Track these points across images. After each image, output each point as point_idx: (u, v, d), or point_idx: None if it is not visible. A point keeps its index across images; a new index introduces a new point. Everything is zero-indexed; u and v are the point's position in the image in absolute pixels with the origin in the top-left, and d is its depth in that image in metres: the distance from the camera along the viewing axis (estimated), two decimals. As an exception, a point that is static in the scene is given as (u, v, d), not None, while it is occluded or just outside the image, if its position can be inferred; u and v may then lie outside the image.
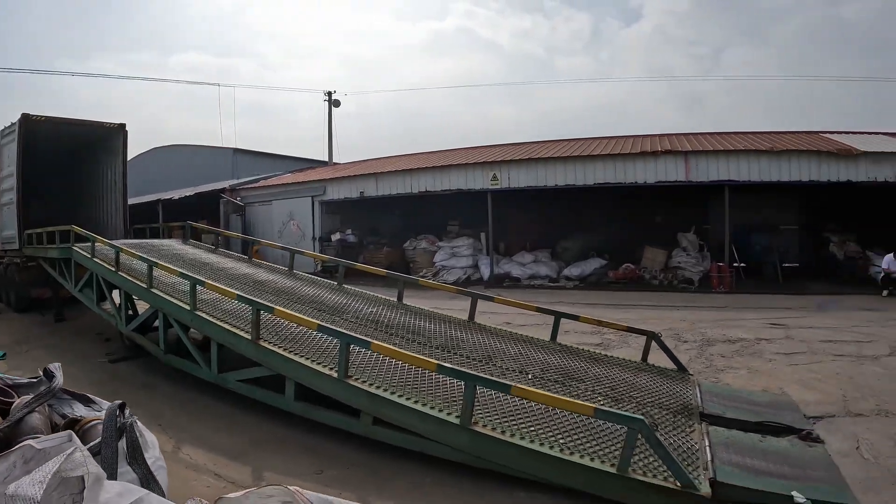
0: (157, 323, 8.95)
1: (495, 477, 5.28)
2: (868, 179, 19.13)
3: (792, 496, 4.88)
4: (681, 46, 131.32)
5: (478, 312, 9.77)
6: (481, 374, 6.12)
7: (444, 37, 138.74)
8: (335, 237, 25.39)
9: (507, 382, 5.75)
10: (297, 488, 2.80)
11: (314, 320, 7.07)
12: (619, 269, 21.26)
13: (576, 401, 5.80)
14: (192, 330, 8.47)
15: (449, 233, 25.17)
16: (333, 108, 39.19)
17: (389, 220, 27.47)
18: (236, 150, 39.47)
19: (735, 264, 20.23)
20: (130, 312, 10.21)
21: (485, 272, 22.49)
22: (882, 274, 17.89)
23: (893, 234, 19.99)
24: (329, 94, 38.90)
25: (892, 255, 17.79)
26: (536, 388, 6.42)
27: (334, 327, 6.89)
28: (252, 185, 29.62)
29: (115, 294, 10.48)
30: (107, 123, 16.13)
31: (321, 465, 5.82)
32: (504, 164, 21.95)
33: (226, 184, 30.06)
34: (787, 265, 22.67)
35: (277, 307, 7.32)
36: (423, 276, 21.37)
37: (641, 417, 5.06)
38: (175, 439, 6.58)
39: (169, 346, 8.77)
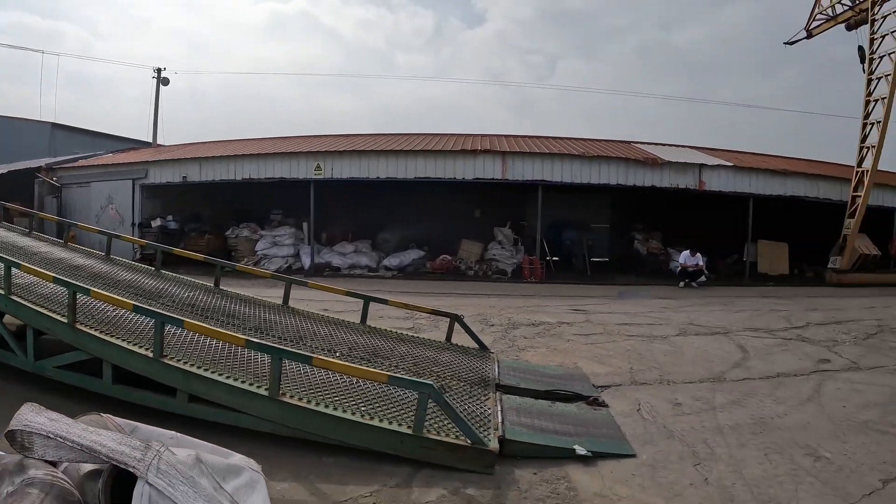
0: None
1: (304, 444, 5.35)
2: (671, 186, 21.56)
3: (574, 448, 5.37)
4: (518, 53, 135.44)
5: (297, 300, 9.68)
6: (285, 347, 6.13)
7: (286, 20, 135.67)
8: (155, 223, 23.74)
9: (309, 354, 5.87)
10: (110, 416, 3.00)
11: (130, 301, 6.79)
12: (437, 260, 21.72)
13: (371, 369, 5.96)
14: (6, 317, 7.82)
15: (272, 221, 24.61)
16: (162, 87, 36.58)
17: (212, 207, 26.08)
18: (55, 126, 35.47)
19: (546, 258, 21.43)
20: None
21: (306, 261, 22.22)
22: (679, 268, 19.59)
23: (691, 234, 22.37)
24: (158, 70, 36.22)
25: (688, 251, 19.86)
26: (360, 367, 6.54)
27: (149, 307, 6.67)
28: (70, 165, 26.83)
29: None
30: None
31: None
32: (329, 154, 21.84)
33: (41, 162, 27.06)
34: (596, 259, 24.18)
35: (94, 289, 6.91)
36: (244, 265, 20.90)
37: (430, 382, 5.28)
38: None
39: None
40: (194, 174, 23.38)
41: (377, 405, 5.70)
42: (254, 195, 24.56)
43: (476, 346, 8.69)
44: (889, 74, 21.27)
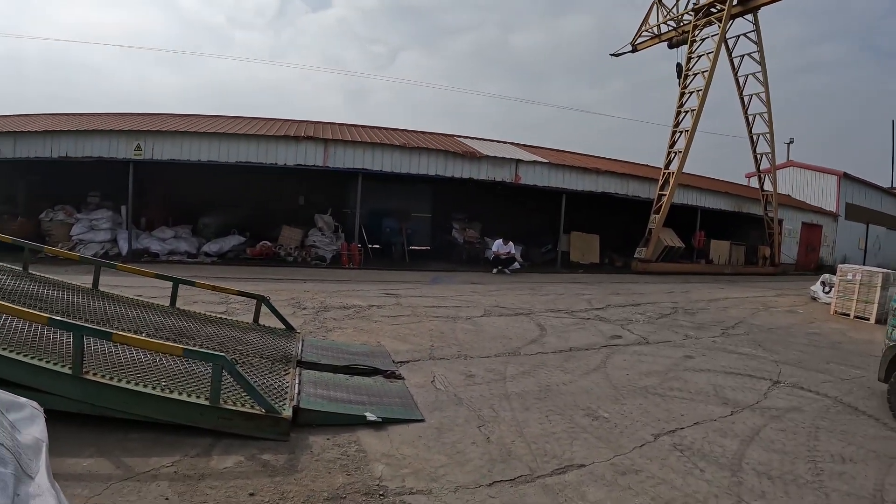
0: None
1: (112, 423, 5.26)
2: (488, 178, 22.42)
3: (365, 416, 5.65)
4: (360, 42, 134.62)
5: (112, 286, 9.39)
6: (87, 325, 5.92)
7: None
8: None
9: (109, 330, 5.80)
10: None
11: None
12: (257, 247, 21.33)
13: (166, 343, 5.95)
14: None
15: (89, 204, 22.89)
16: None
17: (27, 189, 23.89)
18: None
19: (364, 244, 21.58)
20: None
21: (123, 247, 21.01)
22: (492, 255, 20.33)
23: (510, 225, 23.41)
24: None
25: (500, 240, 20.88)
26: (157, 341, 6.49)
27: None
28: None
29: None
30: None
31: None
32: (150, 134, 20.66)
33: None
34: (416, 247, 24.82)
35: None
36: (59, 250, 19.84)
37: (222, 354, 5.38)
38: None
39: None
40: (8, 150, 20.89)
41: (179, 381, 5.70)
42: (72, 176, 22.55)
43: (283, 326, 8.78)
44: (700, 90, 24.19)
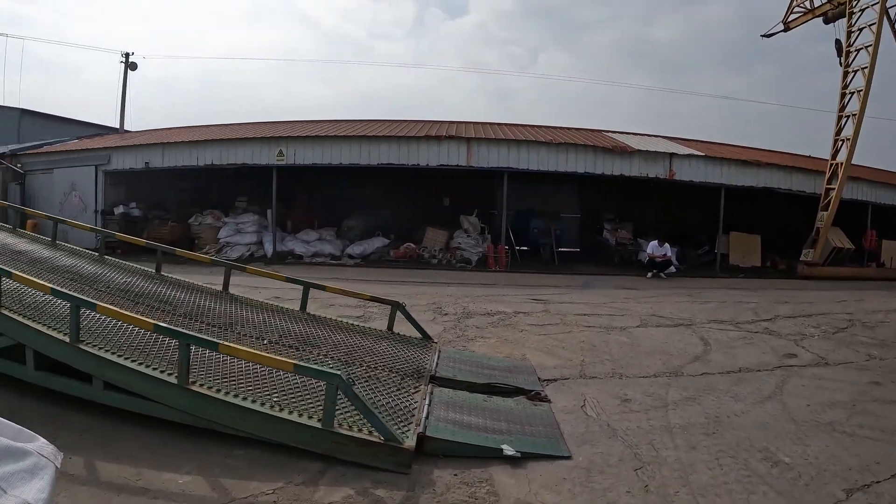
0: None
1: (217, 436, 5.06)
2: (640, 175, 20.98)
3: (501, 448, 4.86)
4: (499, 45, 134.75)
5: (250, 287, 9.68)
6: (192, 333, 5.70)
7: (264, 6, 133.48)
8: (118, 210, 23.20)
9: (215, 340, 5.40)
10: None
11: (48, 284, 6.41)
12: (400, 248, 21.23)
13: (277, 357, 5.44)
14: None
15: (236, 208, 23.91)
16: (133, 72, 35.55)
17: (177, 194, 25.45)
18: (24, 112, 34.54)
19: (511, 246, 20.84)
20: None
21: (268, 249, 21.64)
22: (647, 258, 19.12)
23: (662, 225, 22.05)
24: (126, 55, 35.22)
25: (655, 241, 19.46)
26: (270, 354, 6.21)
27: (66, 290, 6.34)
28: (34, 151, 25.90)
29: None
30: None
31: (56, 433, 5.19)
32: (291, 140, 21.20)
33: (5, 148, 26.38)
34: (565, 249, 23.79)
35: (16, 272, 6.58)
36: (206, 253, 20.46)
37: (338, 373, 4.81)
38: None
39: None
40: (157, 160, 22.68)
41: (293, 396, 5.34)
42: (219, 182, 23.86)
43: (419, 335, 8.29)
44: (865, 67, 21.18)
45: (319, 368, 5.18)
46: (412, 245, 21.36)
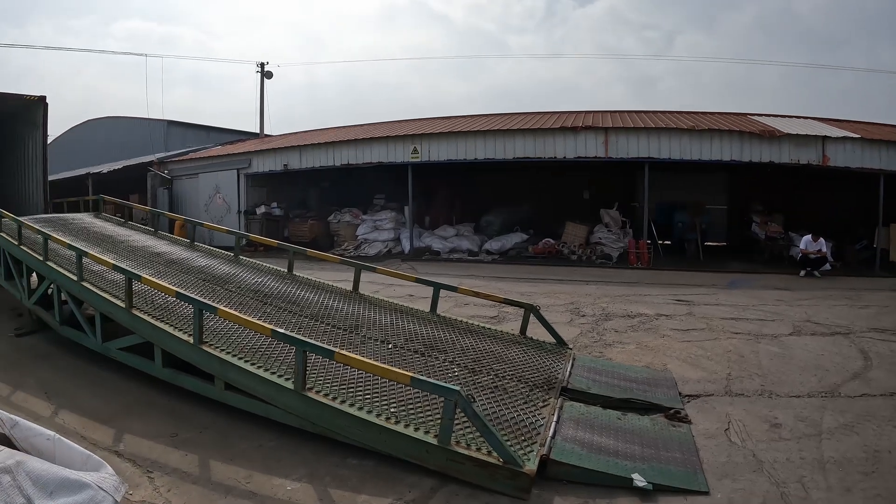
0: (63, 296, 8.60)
1: (332, 443, 5.16)
2: (791, 161, 19.34)
3: (632, 478, 4.57)
4: (634, 29, 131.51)
5: (386, 285, 9.98)
6: (308, 340, 5.67)
7: (397, 9, 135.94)
8: (260, 210, 24.42)
9: (331, 348, 5.37)
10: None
11: (173, 288, 6.82)
12: (539, 244, 20.90)
13: (393, 368, 5.30)
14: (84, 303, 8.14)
15: (374, 206, 24.55)
16: (272, 80, 37.79)
17: (316, 194, 26.69)
18: (170, 123, 37.58)
19: (656, 241, 20.15)
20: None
21: (405, 245, 22.02)
22: (800, 255, 17.88)
23: (816, 217, 20.52)
24: (262, 65, 36.82)
25: (809, 236, 17.93)
26: (394, 358, 6.57)
27: (190, 294, 6.67)
28: (180, 158, 28.24)
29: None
30: (26, 96, 14.99)
31: (178, 428, 5.85)
32: (424, 137, 21.37)
33: (154, 157, 28.55)
34: (711, 244, 22.89)
35: (145, 275, 7.23)
36: (345, 250, 21.75)
37: (457, 388, 4.64)
38: (55, 405, 6.64)
39: (64, 317, 8.59)
40: (294, 162, 23.76)
41: (413, 407, 5.32)
42: (357, 181, 24.55)
43: (554, 340, 8.07)
44: None
45: (437, 383, 5.00)
46: (551, 241, 21.01)
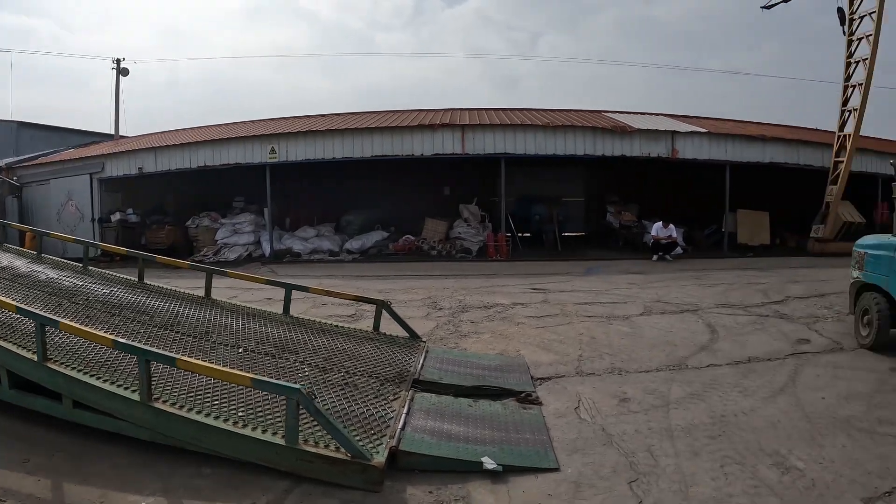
0: None
1: (188, 455, 4.84)
2: (642, 155, 20.51)
3: (482, 462, 4.50)
4: (500, 30, 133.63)
5: (244, 290, 9.59)
6: (150, 348, 5.39)
7: (262, 4, 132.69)
8: (115, 217, 22.68)
9: (172, 355, 5.21)
10: None
11: (13, 303, 6.18)
12: (399, 241, 20.78)
13: (235, 371, 5.11)
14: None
15: (234, 209, 23.61)
16: (123, 77, 34.42)
17: (175, 198, 24.96)
18: (21, 124, 33.99)
19: (514, 234, 20.45)
20: None
21: (266, 248, 21.32)
22: (651, 241, 18.63)
23: (668, 205, 21.82)
24: (117, 61, 34.81)
25: (660, 223, 18.94)
26: (244, 362, 6.33)
27: (31, 309, 6.13)
28: (30, 163, 25.53)
29: None
30: None
31: (31, 453, 5.30)
32: (283, 136, 20.85)
33: (2, 162, 26.15)
34: (569, 234, 23.48)
35: None
36: (205, 255, 20.76)
37: (297, 387, 4.48)
38: None
39: None
40: (150, 165, 22.38)
41: (260, 410, 5.03)
42: (216, 183, 23.53)
43: (407, 334, 7.91)
44: (870, 35, 20.20)
45: (277, 383, 4.83)
46: (411, 237, 20.95)
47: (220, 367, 5.14)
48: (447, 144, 19.53)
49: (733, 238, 21.79)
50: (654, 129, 20.96)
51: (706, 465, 4.55)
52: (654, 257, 18.48)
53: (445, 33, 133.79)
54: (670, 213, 20.02)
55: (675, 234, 19.06)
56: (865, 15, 20.36)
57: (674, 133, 20.79)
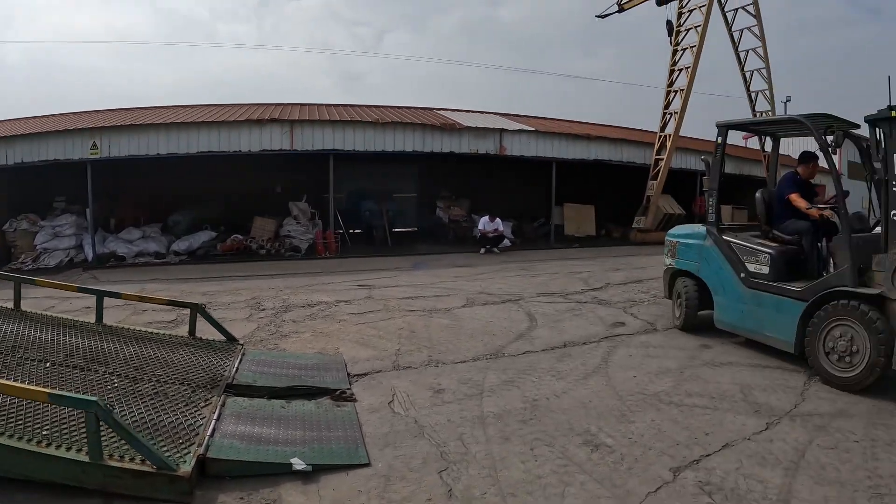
0: None
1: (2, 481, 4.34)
2: (471, 151, 20.93)
3: (291, 463, 4.39)
4: (346, 25, 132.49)
5: (63, 299, 9.41)
6: None
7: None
8: None
9: None
10: None
11: None
12: (227, 241, 20.02)
13: (29, 387, 4.71)
14: None
15: (54, 210, 21.72)
16: None
17: None
18: None
19: (342, 231, 20.34)
20: None
21: (88, 252, 19.79)
22: (479, 234, 18.97)
23: (499, 200, 22.71)
24: None
25: (487, 217, 19.49)
26: (52, 377, 5.86)
27: None
28: None
29: None
30: None
31: None
32: (105, 130, 19.27)
33: None
34: (402, 230, 23.56)
35: None
36: (23, 263, 18.89)
37: (95, 399, 4.20)
38: None
39: None
40: None
41: (65, 427, 4.64)
42: (36, 182, 21.23)
43: (224, 338, 7.60)
44: (694, 46, 22.61)
45: (74, 396, 4.52)
46: (239, 237, 20.22)
47: (13, 384, 4.76)
48: (275, 140, 18.99)
49: (561, 230, 22.93)
50: (483, 126, 21.46)
51: (517, 449, 4.60)
52: (482, 250, 18.89)
53: (291, 25, 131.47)
54: (501, 208, 20.75)
55: (501, 228, 19.65)
56: (691, 28, 22.94)
57: (502, 131, 21.39)
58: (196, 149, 18.94)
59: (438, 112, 24.70)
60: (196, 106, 23.99)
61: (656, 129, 24.07)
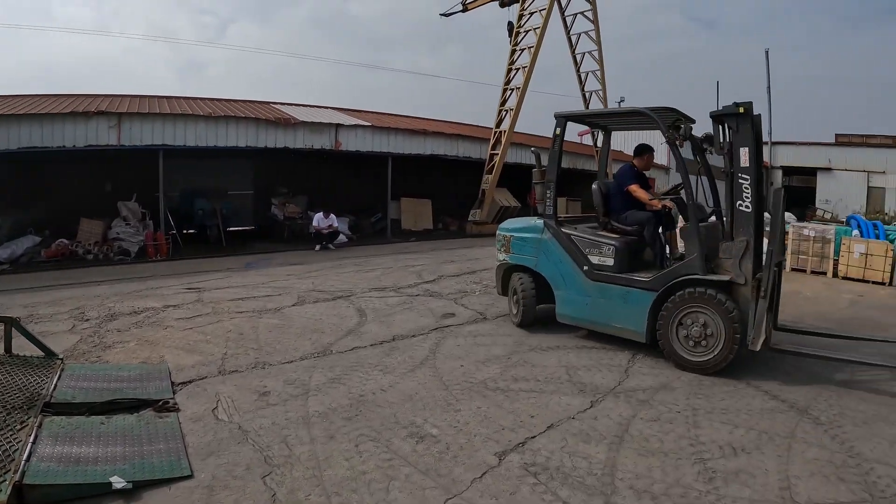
0: None
1: None
2: (306, 146, 20.83)
3: (111, 482, 4.23)
4: (189, 13, 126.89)
5: None
6: None
7: None
8: None
9: None
10: None
11: None
12: (52, 247, 18.72)
13: None
14: None
15: None
16: None
17: None
18: None
19: (174, 231, 19.52)
20: None
21: None
22: (314, 231, 18.85)
23: (338, 195, 23.14)
24: None
25: (321, 213, 19.46)
26: None
27: None
28: None
29: None
30: None
31: None
32: None
33: None
34: (238, 228, 23.00)
35: None
36: None
37: None
38: None
39: None
40: None
41: None
42: None
43: (42, 353, 7.14)
44: (532, 46, 23.66)
45: None
46: (65, 241, 18.96)
47: None
48: (102, 135, 17.92)
49: (398, 224, 23.24)
50: (319, 121, 21.39)
51: (341, 447, 4.66)
52: (317, 247, 18.86)
53: (130, 9, 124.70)
54: (339, 203, 20.56)
55: (336, 224, 19.64)
56: (531, 30, 24.13)
57: (338, 126, 21.44)
58: (16, 144, 17.43)
59: (274, 106, 24.41)
60: (16, 96, 22.15)
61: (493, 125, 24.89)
